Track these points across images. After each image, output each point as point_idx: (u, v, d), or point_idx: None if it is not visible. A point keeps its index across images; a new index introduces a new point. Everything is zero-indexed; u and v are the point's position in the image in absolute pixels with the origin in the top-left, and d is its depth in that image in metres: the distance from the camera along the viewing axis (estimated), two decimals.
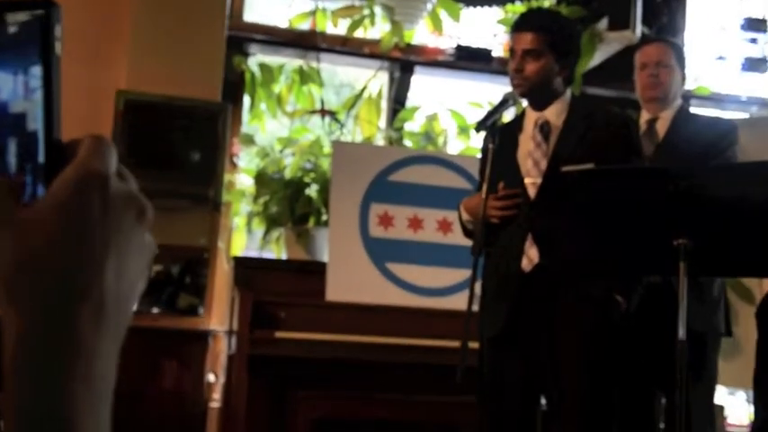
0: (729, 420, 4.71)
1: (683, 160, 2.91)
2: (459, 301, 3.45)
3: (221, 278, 4.25)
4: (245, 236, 4.40)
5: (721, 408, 4.20)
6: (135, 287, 0.53)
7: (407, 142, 4.55)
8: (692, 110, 3.72)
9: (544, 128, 2.68)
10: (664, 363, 2.64)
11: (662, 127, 3.10)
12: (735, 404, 4.92)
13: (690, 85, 4.16)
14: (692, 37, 4.98)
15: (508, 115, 3.08)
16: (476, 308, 2.50)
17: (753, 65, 4.97)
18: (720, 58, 5.13)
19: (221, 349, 4.17)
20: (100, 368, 0.49)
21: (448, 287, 3.88)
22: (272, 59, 4.69)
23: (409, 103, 4.84)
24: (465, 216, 2.78)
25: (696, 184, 2.19)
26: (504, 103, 2.65)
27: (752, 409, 3.27)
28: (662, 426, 3.11)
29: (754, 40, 5.00)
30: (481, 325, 2.58)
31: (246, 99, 4.59)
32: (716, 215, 2.20)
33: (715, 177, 2.30)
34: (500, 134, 2.72)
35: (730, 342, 3.35)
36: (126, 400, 3.73)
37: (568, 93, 2.75)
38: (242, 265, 3.87)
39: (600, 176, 2.32)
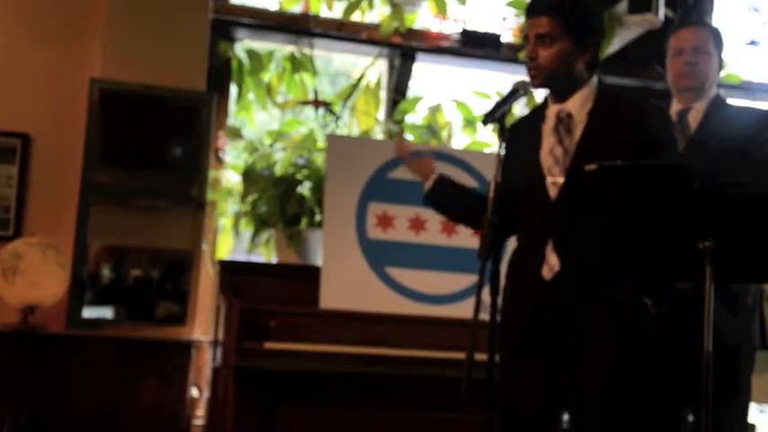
0: None
1: (717, 155, 2.90)
2: (464, 309, 3.46)
3: (206, 284, 4.25)
4: (231, 238, 4.41)
5: (753, 427, 4.20)
6: None
7: (409, 136, 4.55)
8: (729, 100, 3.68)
9: (564, 121, 2.66)
10: (692, 377, 2.64)
11: (694, 119, 3.08)
12: (766, 422, 4.91)
13: None
14: (720, 20, 4.98)
15: (519, 107, 3.07)
16: (483, 316, 2.51)
17: None
18: (752, 42, 5.13)
19: (206, 361, 4.18)
20: None
21: (453, 294, 3.88)
22: (261, 45, 4.69)
23: (410, 93, 4.84)
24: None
25: (724, 181, 2.19)
26: (513, 94, 2.62)
27: None
28: None
29: None
30: (500, 335, 2.57)
31: (233, 88, 4.60)
32: (745, 215, 2.19)
33: (745, 174, 2.29)
34: (519, 128, 2.71)
35: (762, 355, 3.34)
36: (100, 418, 3.75)
37: (595, 80, 2.69)
38: (228, 269, 3.87)
39: (619, 173, 2.32)
